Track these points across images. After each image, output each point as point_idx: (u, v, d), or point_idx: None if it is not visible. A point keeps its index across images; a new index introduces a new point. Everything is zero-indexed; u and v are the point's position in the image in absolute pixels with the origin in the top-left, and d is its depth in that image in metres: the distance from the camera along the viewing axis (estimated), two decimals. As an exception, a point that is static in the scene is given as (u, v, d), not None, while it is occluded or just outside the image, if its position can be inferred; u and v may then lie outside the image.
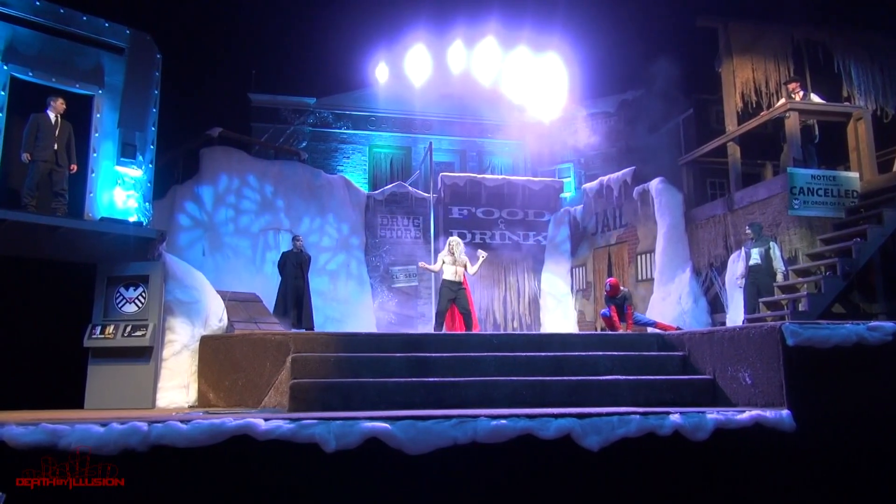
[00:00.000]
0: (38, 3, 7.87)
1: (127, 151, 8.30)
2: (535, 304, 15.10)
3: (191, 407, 7.26)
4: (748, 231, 9.41)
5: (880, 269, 8.59)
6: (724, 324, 10.30)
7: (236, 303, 9.21)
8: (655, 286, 12.16)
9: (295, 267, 10.59)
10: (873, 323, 5.28)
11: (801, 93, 10.48)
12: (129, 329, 7.37)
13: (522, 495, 4.72)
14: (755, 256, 9.15)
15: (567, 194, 16.60)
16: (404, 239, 14.98)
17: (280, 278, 10.67)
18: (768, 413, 4.94)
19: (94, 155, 8.17)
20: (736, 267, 9.97)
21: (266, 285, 11.20)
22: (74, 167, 7.80)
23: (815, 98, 10.62)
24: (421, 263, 10.82)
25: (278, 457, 4.43)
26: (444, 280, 9.72)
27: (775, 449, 4.90)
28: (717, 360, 6.00)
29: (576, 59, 15.45)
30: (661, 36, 14.90)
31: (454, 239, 10.10)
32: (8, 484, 4.03)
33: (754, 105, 11.30)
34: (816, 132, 10.29)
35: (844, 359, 5.11)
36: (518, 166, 18.24)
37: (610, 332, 9.57)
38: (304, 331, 9.94)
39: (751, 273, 9.18)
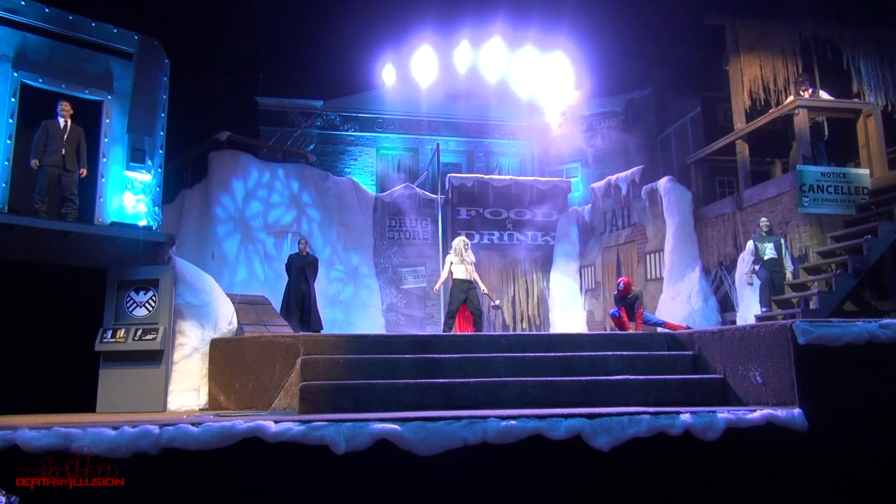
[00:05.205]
0: (47, 10, 7.93)
1: (136, 156, 8.35)
2: (543, 304, 15.08)
3: (201, 410, 7.28)
4: (765, 221, 9.32)
5: (892, 266, 8.53)
6: (734, 322, 10.25)
7: (246, 305, 9.25)
8: (665, 285, 12.12)
9: (298, 270, 10.64)
10: (885, 321, 5.24)
11: (810, 90, 10.42)
12: (139, 333, 7.41)
13: (533, 496, 4.71)
14: (770, 251, 9.10)
15: (575, 194, 16.57)
16: (412, 240, 15.00)
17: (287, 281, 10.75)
18: (780, 412, 4.91)
19: (104, 160, 8.22)
20: (745, 264, 9.91)
21: (280, 288, 11.29)
22: (84, 171, 7.86)
23: (823, 95, 10.55)
24: (435, 289, 10.54)
25: (289, 459, 4.44)
26: (455, 279, 9.71)
27: (787, 448, 4.86)
28: (727, 359, 5.97)
29: (583, 59, 15.44)
30: (668, 34, 14.84)
31: (460, 239, 10.11)
32: (8, 484, 4.05)
33: (763, 102, 11.24)
34: (826, 129, 10.23)
35: (856, 357, 5.07)
36: (525, 166, 18.24)
37: (619, 332, 9.54)
38: (309, 333, 9.99)
39: (766, 266, 9.12)
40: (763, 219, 9.45)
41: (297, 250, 11.03)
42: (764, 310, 9.14)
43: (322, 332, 10.49)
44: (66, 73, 8.05)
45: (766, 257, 9.13)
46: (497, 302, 10.44)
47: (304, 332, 10.24)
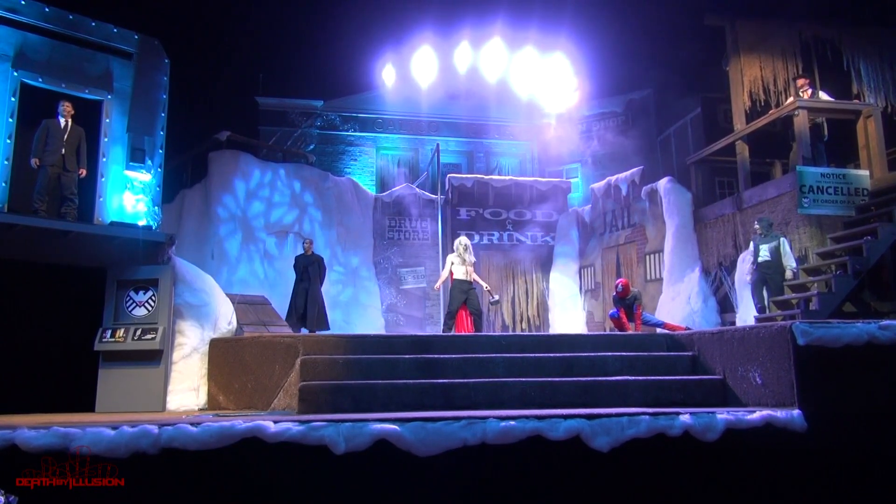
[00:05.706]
0: (47, 10, 7.94)
1: (136, 156, 8.36)
2: (543, 304, 15.07)
3: (201, 410, 7.29)
4: (756, 226, 9.34)
5: (892, 267, 8.52)
6: (733, 323, 10.24)
7: (245, 305, 9.26)
8: (664, 286, 12.11)
9: (302, 269, 10.75)
10: (885, 322, 5.24)
11: (810, 91, 10.42)
12: (139, 332, 7.41)
13: (532, 496, 4.71)
14: (765, 252, 9.06)
15: (575, 194, 16.57)
16: (412, 241, 15.00)
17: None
18: (779, 413, 4.91)
19: (104, 159, 8.23)
20: (745, 265, 9.90)
21: (281, 288, 11.33)
22: (83, 171, 7.86)
23: (823, 96, 10.55)
24: (436, 287, 10.66)
25: (288, 459, 4.44)
26: (455, 280, 9.71)
27: (786, 449, 4.87)
28: (727, 360, 5.97)
29: (583, 59, 15.42)
30: (668, 35, 14.83)
31: (461, 239, 10.11)
32: (8, 484, 4.05)
33: (762, 103, 11.23)
34: (825, 130, 10.23)
35: (855, 358, 5.07)
36: (525, 167, 18.24)
37: (619, 333, 9.54)
38: (307, 332, 10.04)
39: (760, 269, 9.11)
40: (756, 223, 9.44)
41: (303, 250, 11.15)
42: (758, 307, 9.16)
43: (324, 331, 10.51)
44: (66, 72, 8.06)
45: (760, 259, 9.11)
46: (496, 297, 10.47)
47: (303, 328, 10.33)
